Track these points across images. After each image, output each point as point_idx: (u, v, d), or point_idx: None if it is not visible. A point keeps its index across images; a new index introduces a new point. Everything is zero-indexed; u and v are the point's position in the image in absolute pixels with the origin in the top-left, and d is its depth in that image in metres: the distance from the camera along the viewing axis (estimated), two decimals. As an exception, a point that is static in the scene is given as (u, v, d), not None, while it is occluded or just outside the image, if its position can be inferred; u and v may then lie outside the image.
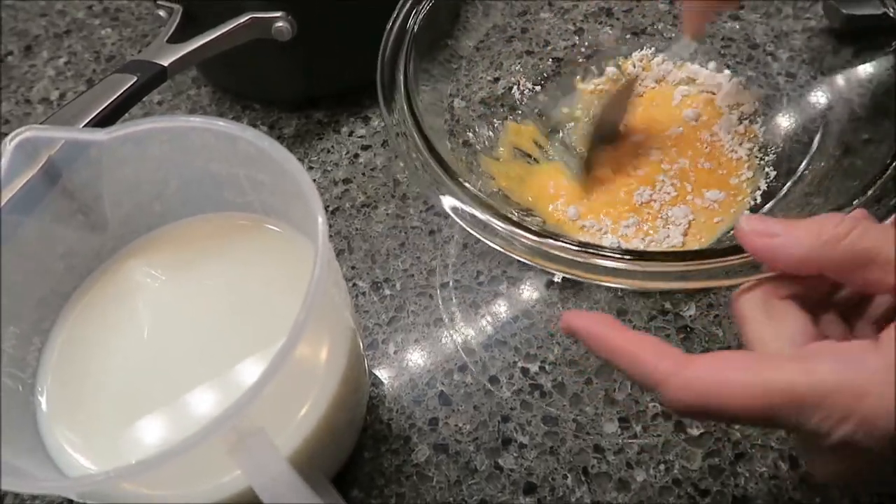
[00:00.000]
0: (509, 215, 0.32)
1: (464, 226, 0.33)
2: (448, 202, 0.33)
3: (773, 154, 0.44)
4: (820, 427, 0.21)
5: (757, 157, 0.44)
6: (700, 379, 0.22)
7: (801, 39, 0.46)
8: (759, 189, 0.42)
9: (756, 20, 0.48)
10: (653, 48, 0.50)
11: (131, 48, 0.58)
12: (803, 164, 0.41)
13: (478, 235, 0.32)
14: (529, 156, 0.45)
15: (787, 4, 0.47)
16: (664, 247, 0.40)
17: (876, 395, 0.20)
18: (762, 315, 0.25)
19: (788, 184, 0.41)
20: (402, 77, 0.39)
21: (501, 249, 0.32)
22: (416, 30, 0.41)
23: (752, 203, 0.42)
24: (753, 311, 0.25)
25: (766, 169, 0.43)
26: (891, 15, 0.40)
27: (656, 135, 0.45)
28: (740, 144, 0.44)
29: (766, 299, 0.25)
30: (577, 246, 0.31)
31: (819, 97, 0.43)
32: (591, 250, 0.31)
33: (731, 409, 0.22)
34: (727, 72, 0.48)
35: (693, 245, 0.40)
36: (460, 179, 0.34)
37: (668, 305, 0.40)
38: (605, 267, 0.30)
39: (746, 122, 0.45)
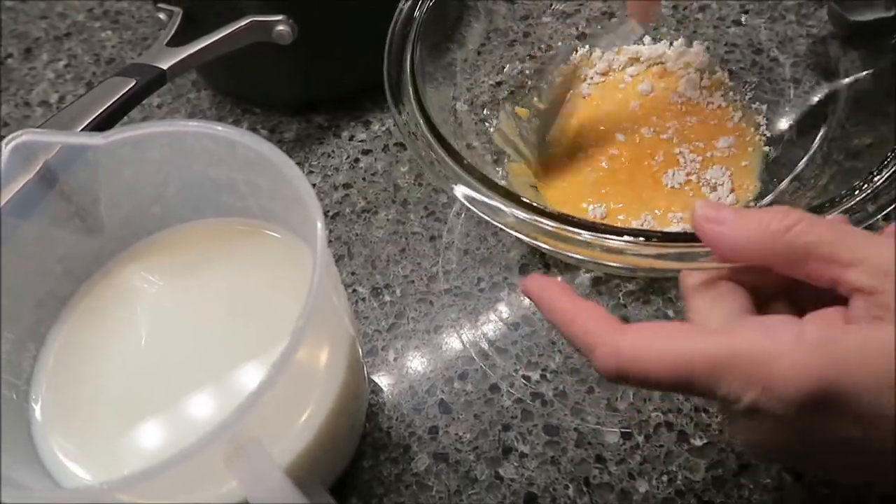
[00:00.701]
0: (529, 202, 0.32)
1: (482, 216, 0.33)
2: (462, 192, 0.34)
3: (751, 92, 0.46)
4: (729, 393, 0.22)
5: (734, 99, 0.46)
6: (627, 347, 0.23)
7: (805, 44, 0.46)
8: (759, 125, 0.45)
9: (760, 25, 0.48)
10: (587, 46, 0.50)
11: (131, 51, 0.58)
12: (802, 164, 0.41)
13: (497, 224, 0.33)
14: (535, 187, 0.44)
15: (790, 10, 0.47)
16: None
17: (780, 364, 0.21)
18: (705, 289, 0.26)
19: (785, 182, 0.41)
20: (408, 69, 0.39)
21: (524, 237, 0.32)
22: (423, 17, 0.41)
23: (765, 137, 0.44)
24: (698, 285, 0.26)
25: (753, 105, 0.46)
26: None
27: (619, 119, 0.46)
28: (711, 95, 0.47)
29: (714, 278, 0.26)
30: (597, 228, 0.31)
31: (823, 102, 0.43)
32: (611, 233, 0.31)
33: (652, 375, 0.23)
34: (664, 41, 0.49)
35: (744, 196, 0.42)
36: (477, 169, 0.34)
37: (671, 313, 0.39)
38: (625, 249, 0.31)
39: (706, 75, 0.47)
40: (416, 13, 0.41)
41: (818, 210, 0.32)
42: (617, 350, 0.23)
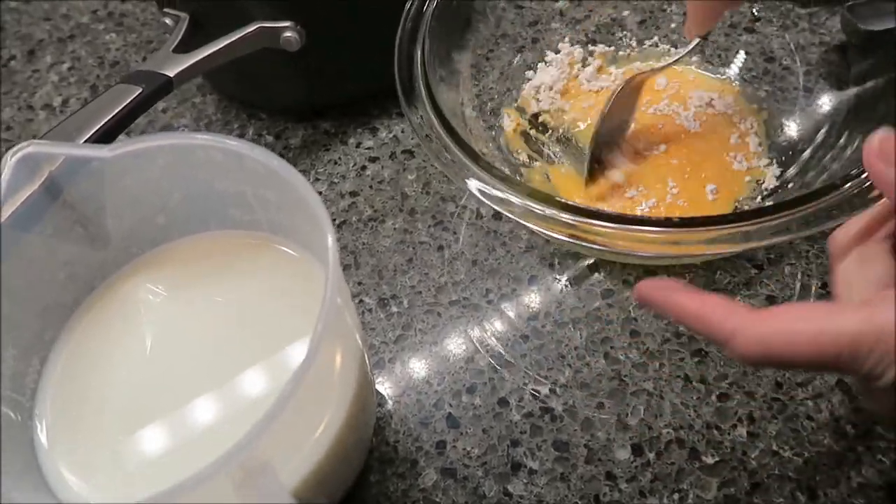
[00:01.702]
0: (550, 197, 0.33)
1: (503, 212, 0.33)
2: (475, 185, 0.34)
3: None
4: (873, 370, 0.22)
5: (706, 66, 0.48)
6: (766, 334, 0.23)
7: (817, 53, 0.46)
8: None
9: (772, 33, 0.48)
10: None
11: (136, 54, 0.57)
12: (809, 165, 0.41)
13: (517, 219, 0.33)
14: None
15: (803, 18, 0.46)
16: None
17: None
18: (852, 257, 0.26)
19: (790, 171, 0.42)
20: (419, 68, 0.39)
21: (547, 233, 0.32)
22: (432, 15, 0.41)
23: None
24: (844, 251, 0.26)
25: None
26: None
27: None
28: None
29: (860, 240, 0.26)
30: (620, 218, 0.31)
31: (834, 110, 0.43)
32: (635, 222, 0.31)
33: (794, 360, 0.23)
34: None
35: (729, 90, 0.46)
36: (492, 166, 0.34)
37: (682, 328, 0.39)
38: (650, 238, 0.31)
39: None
40: (426, 9, 0.41)
41: (809, 198, 0.32)
42: (759, 337, 0.23)
